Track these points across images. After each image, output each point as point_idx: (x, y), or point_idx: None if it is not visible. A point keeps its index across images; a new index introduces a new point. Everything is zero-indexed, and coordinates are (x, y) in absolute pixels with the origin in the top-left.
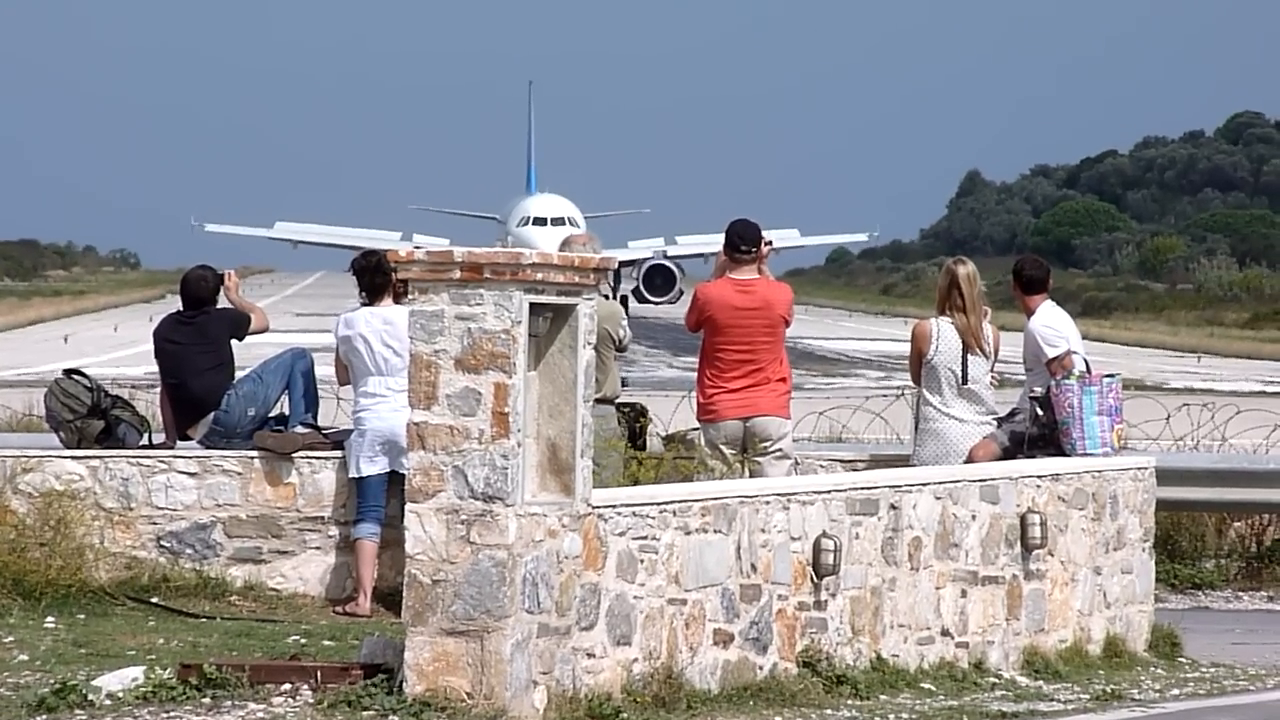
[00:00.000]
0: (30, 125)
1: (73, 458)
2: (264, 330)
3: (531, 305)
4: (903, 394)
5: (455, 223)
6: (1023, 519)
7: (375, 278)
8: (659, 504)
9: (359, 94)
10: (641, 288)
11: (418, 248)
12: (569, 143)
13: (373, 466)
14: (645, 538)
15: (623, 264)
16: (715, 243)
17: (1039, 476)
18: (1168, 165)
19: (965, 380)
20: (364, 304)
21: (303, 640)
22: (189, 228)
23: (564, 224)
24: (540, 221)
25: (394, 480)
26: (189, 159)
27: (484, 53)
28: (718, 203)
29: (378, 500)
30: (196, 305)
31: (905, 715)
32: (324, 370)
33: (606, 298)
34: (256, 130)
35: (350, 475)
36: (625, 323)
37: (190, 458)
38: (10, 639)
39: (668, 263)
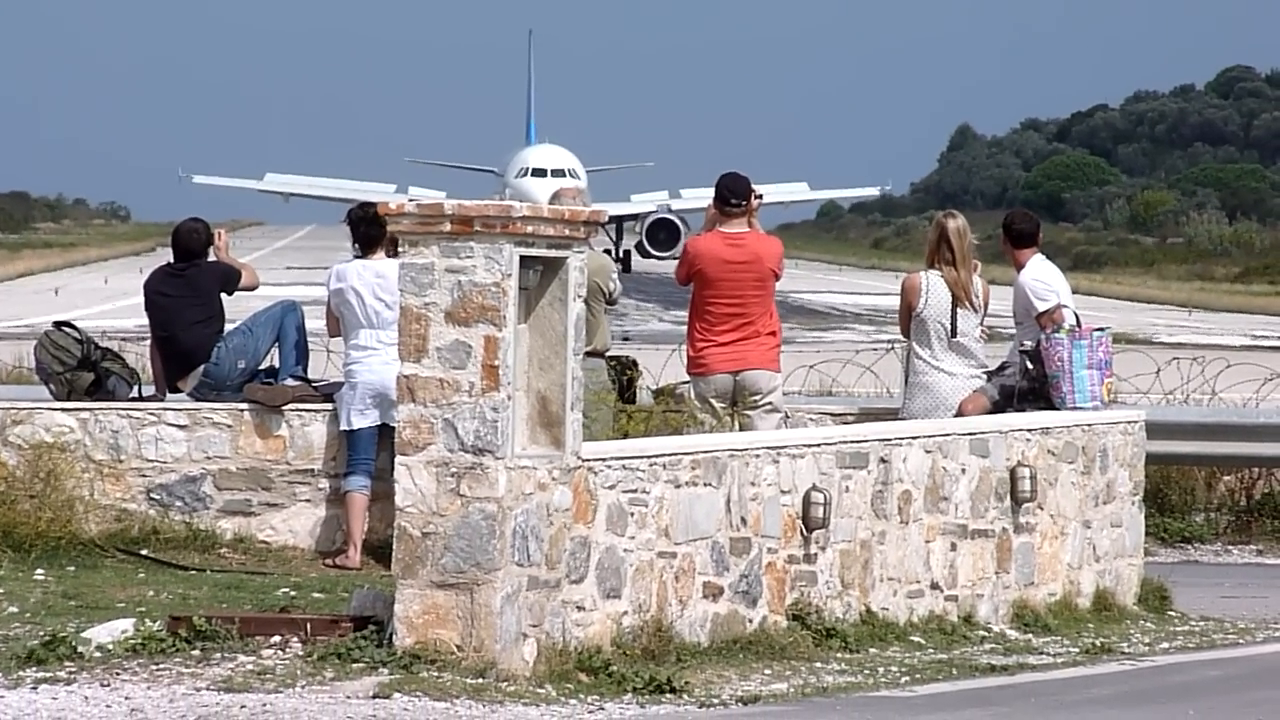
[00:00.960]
0: (20, 78)
1: (63, 410)
2: (253, 288)
3: (522, 258)
4: (892, 348)
5: (452, 175)
6: (1012, 472)
7: (369, 230)
8: (649, 457)
9: (353, 43)
10: (645, 242)
11: (412, 200)
12: (570, 94)
13: (363, 419)
14: (635, 491)
15: (625, 218)
16: (702, 198)
17: (1029, 430)
18: (1158, 119)
19: (955, 334)
20: (357, 256)
21: (292, 593)
22: (177, 180)
23: (564, 175)
24: (540, 173)
25: (384, 433)
26: (179, 111)
27: (482, 0)
28: (721, 156)
29: (368, 453)
30: (187, 257)
31: (895, 668)
32: (314, 323)
33: (608, 252)
34: (248, 81)
35: (341, 428)
36: (615, 276)
37: (180, 410)
38: (0, 591)
39: (671, 216)
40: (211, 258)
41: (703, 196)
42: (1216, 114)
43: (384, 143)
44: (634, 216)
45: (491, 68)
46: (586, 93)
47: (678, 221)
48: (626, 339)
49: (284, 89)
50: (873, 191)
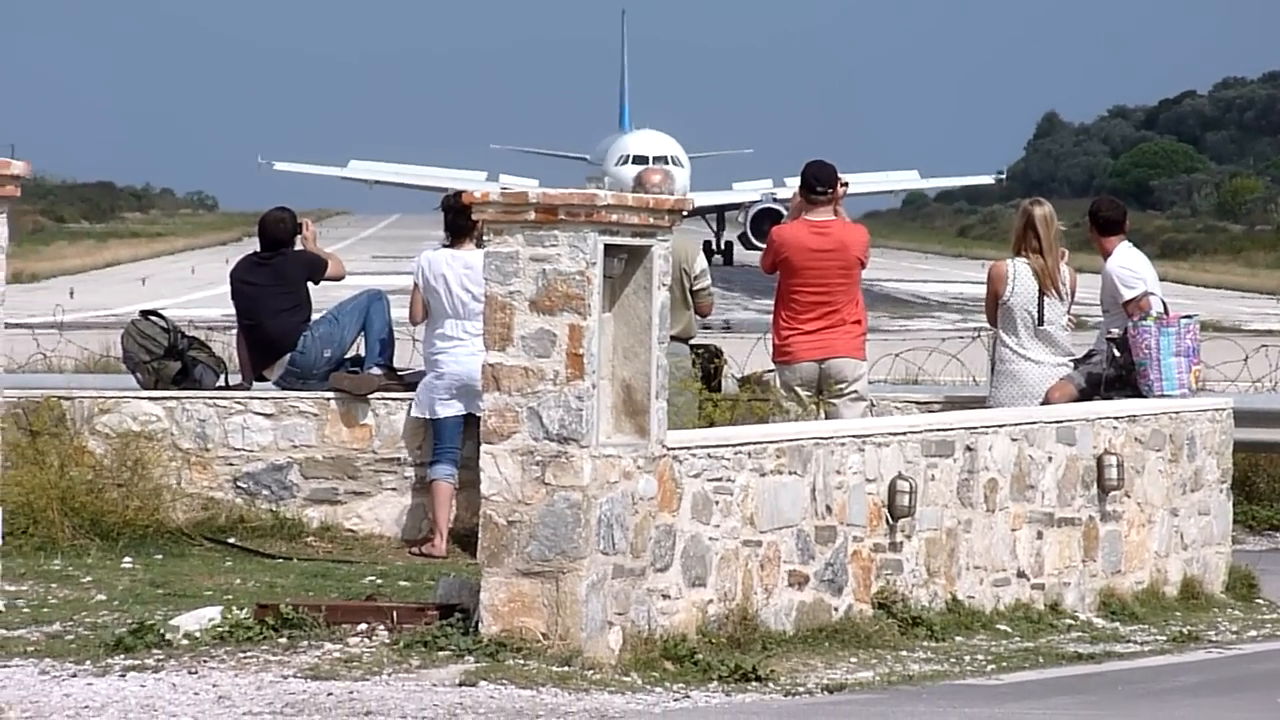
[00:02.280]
0: (104, 66)
1: (149, 399)
2: (340, 278)
3: (606, 246)
4: (979, 336)
5: (543, 163)
6: (1099, 460)
7: (458, 220)
8: (734, 445)
9: (440, 26)
10: (749, 233)
11: (504, 189)
12: (664, 78)
13: (448, 409)
14: (720, 479)
15: (727, 208)
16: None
17: (1116, 418)
18: (1247, 106)
19: (1041, 322)
20: (445, 245)
21: (378, 581)
22: (256, 167)
23: (666, 163)
24: (641, 160)
25: (470, 422)
26: (264, 98)
27: None
28: (822, 143)
29: (453, 442)
30: (274, 246)
31: (980, 657)
32: (399, 312)
33: (708, 244)
34: (332, 66)
35: (426, 417)
36: (701, 260)
37: (266, 399)
38: (88, 579)
39: (777, 206)
40: (299, 247)
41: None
42: None
43: (473, 129)
44: (736, 206)
45: (583, 51)
46: (681, 76)
47: (783, 211)
48: (728, 327)
49: (369, 74)
50: (987, 179)
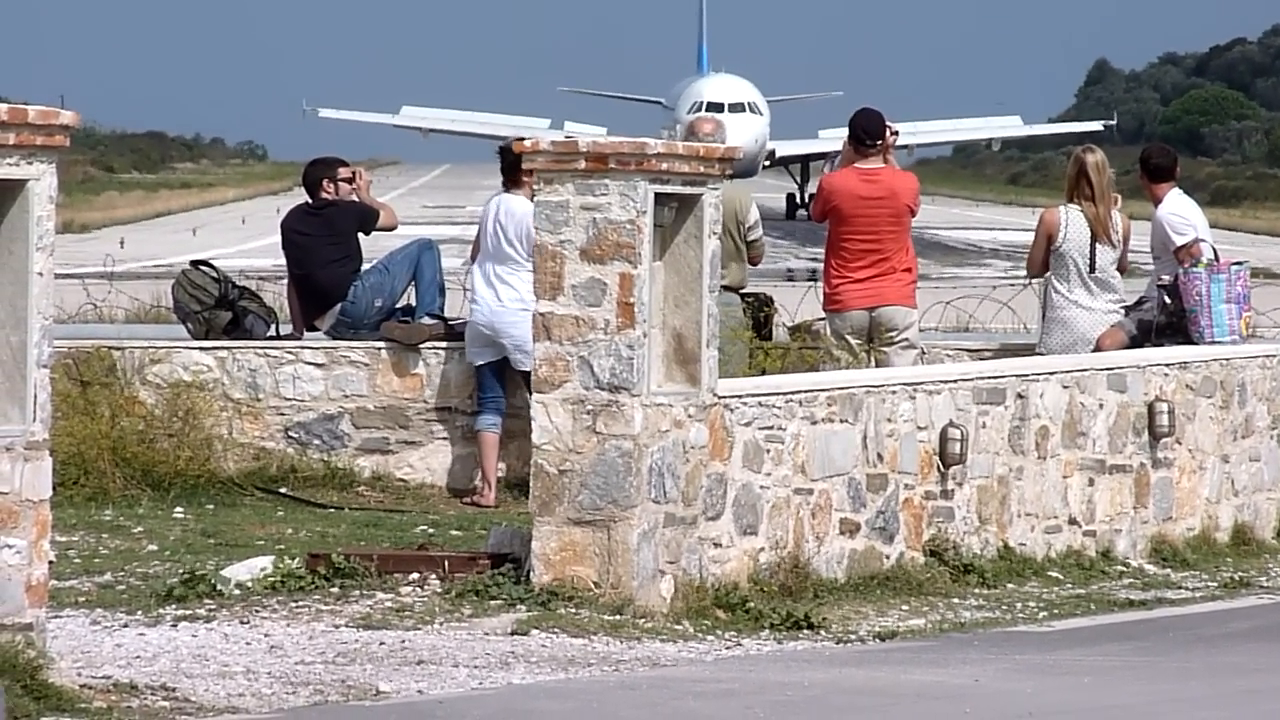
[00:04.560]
0: (157, 13)
1: (200, 349)
2: (392, 228)
3: (656, 195)
4: (1030, 284)
5: (614, 107)
6: (1150, 407)
7: (508, 163)
8: (785, 394)
9: None
10: None
11: (569, 136)
12: (745, 15)
13: (479, 357)
14: (771, 428)
15: (812, 157)
16: (921, 132)
17: (1166, 365)
18: None
19: (1093, 269)
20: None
21: (430, 530)
22: (302, 115)
23: (744, 110)
24: (716, 107)
25: (506, 369)
26: (315, 45)
27: None
28: (923, 87)
29: (494, 390)
30: (313, 191)
31: (1032, 604)
32: (450, 262)
33: (791, 196)
34: (387, 5)
35: (470, 363)
36: (754, 209)
37: (317, 349)
38: (139, 529)
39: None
40: (351, 196)
41: (905, 133)
42: None
43: (536, 71)
44: (822, 155)
45: None
46: (765, 14)
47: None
48: (790, 277)
49: (425, 12)
50: (1096, 126)
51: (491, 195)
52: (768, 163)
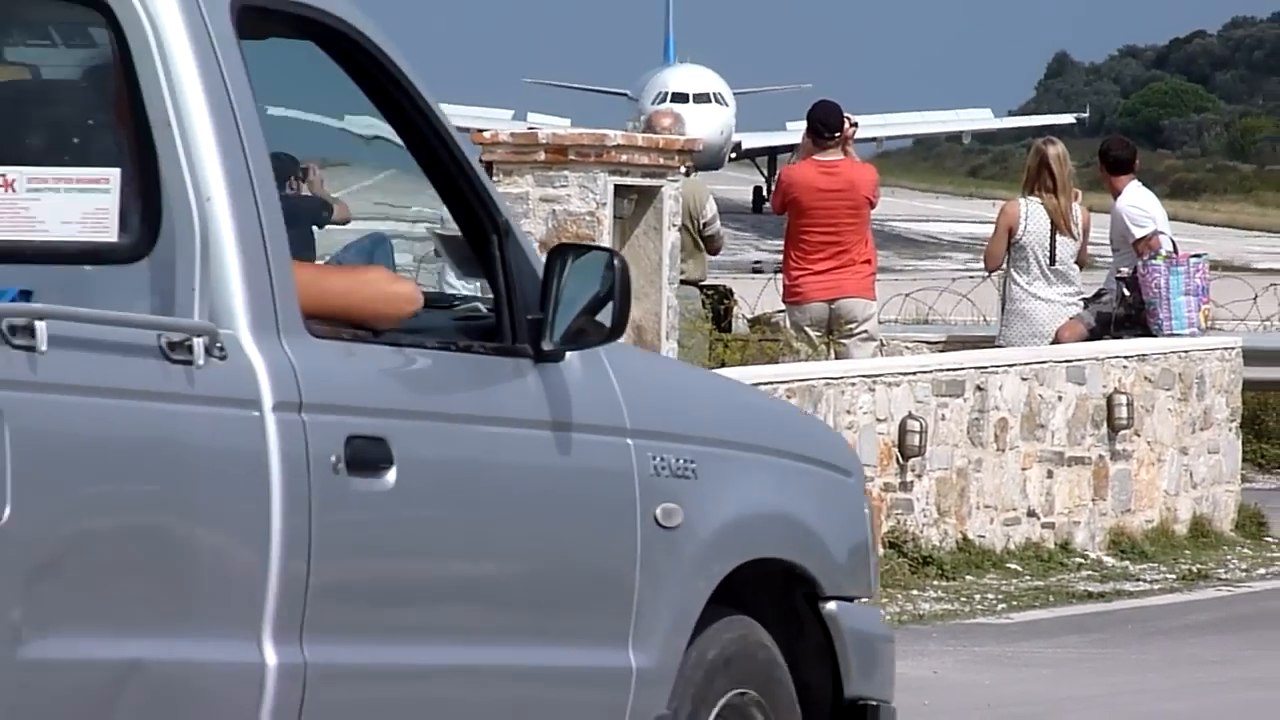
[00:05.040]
0: None
1: None
2: (345, 222)
3: (616, 187)
4: (989, 276)
5: (579, 99)
6: (1109, 399)
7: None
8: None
9: None
10: None
11: (533, 128)
12: (714, 6)
13: None
14: None
15: (780, 150)
16: (891, 124)
17: (1125, 357)
18: (1256, 45)
19: (1053, 261)
20: None
21: None
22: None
23: (709, 101)
24: (681, 98)
25: None
26: None
27: None
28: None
29: None
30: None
31: (991, 595)
32: (403, 258)
33: (758, 189)
34: None
35: None
36: (712, 202)
37: None
38: None
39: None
40: (305, 191)
41: (874, 125)
42: None
43: (498, 62)
44: (789, 148)
45: None
46: (732, 5)
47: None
48: (757, 269)
49: None
50: (1069, 119)
51: None
52: (734, 155)
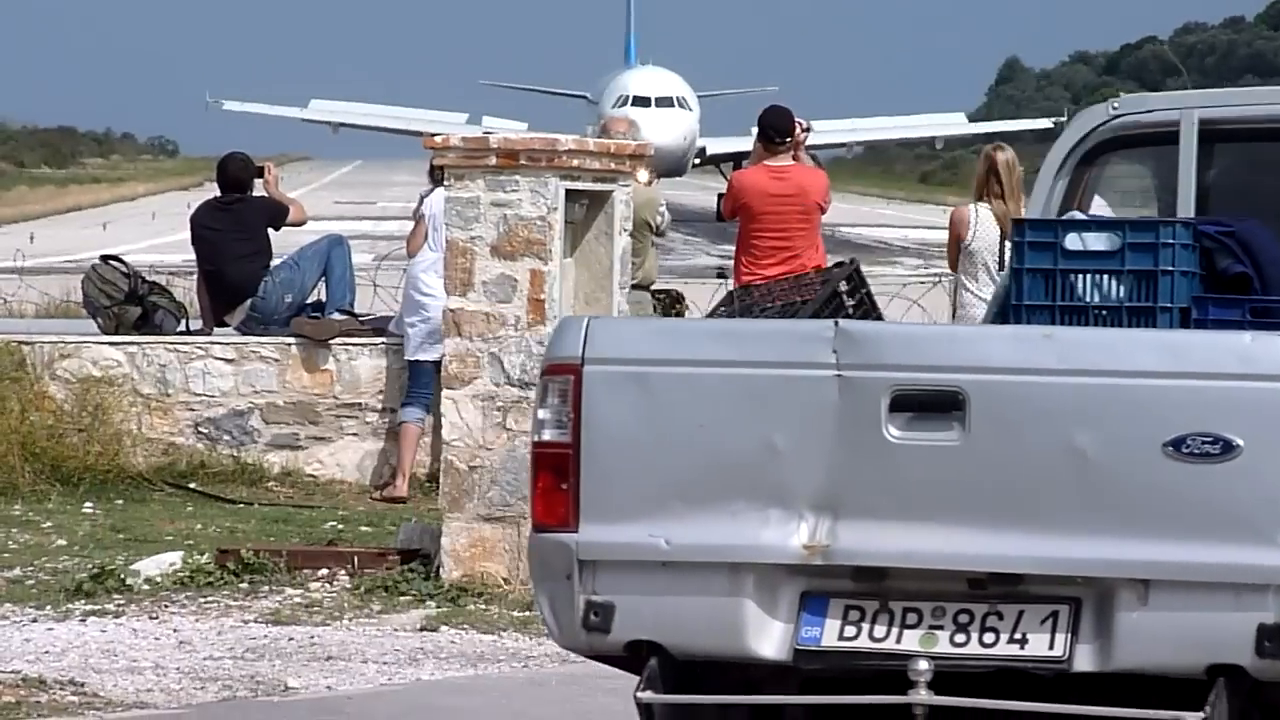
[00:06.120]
0: (65, 10)
1: (110, 344)
2: (301, 223)
3: (567, 192)
4: (940, 281)
5: (536, 102)
6: None
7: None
8: None
9: None
10: None
11: (488, 132)
12: (678, 7)
13: (429, 354)
14: None
15: (745, 155)
16: (861, 129)
17: None
18: (1208, 51)
19: (1003, 267)
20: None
21: (340, 526)
22: (205, 107)
23: (671, 105)
24: (642, 101)
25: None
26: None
27: None
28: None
29: (428, 386)
30: (235, 188)
31: None
32: (360, 258)
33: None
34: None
35: (406, 358)
36: (664, 209)
37: (227, 344)
38: (49, 524)
39: (801, 154)
40: (260, 192)
41: (841, 130)
42: (1267, 45)
43: (457, 64)
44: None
45: None
46: (695, 6)
47: (808, 160)
48: (722, 275)
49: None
50: (1046, 124)
51: (429, 190)
52: (698, 160)
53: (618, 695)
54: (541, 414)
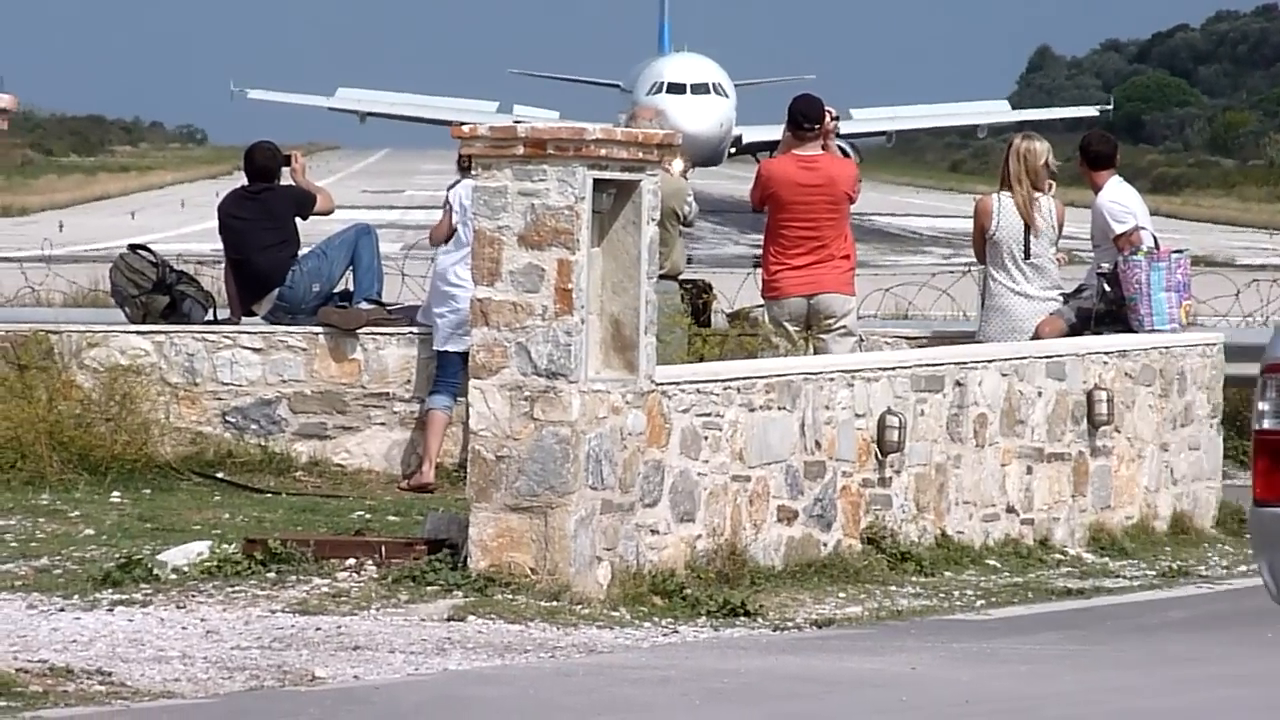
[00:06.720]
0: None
1: (138, 333)
2: (329, 212)
3: (595, 181)
4: (969, 271)
5: (568, 91)
6: (1089, 395)
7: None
8: (723, 381)
9: None
10: None
11: (518, 121)
12: None
13: (458, 344)
14: (709, 415)
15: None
16: (902, 117)
17: (1106, 353)
18: (1240, 39)
19: (1028, 256)
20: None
21: (367, 516)
22: (230, 97)
23: (707, 91)
24: (677, 88)
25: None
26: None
27: None
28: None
29: (456, 376)
30: (263, 177)
31: (970, 592)
32: (388, 246)
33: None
34: None
35: (435, 349)
36: (691, 198)
37: (255, 333)
38: (76, 514)
39: (840, 143)
40: (287, 181)
41: (882, 118)
42: None
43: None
44: None
45: None
46: None
47: (846, 149)
48: (757, 265)
49: None
50: (1092, 112)
51: (455, 180)
52: (734, 149)
53: (643, 685)
54: (1262, 405)
